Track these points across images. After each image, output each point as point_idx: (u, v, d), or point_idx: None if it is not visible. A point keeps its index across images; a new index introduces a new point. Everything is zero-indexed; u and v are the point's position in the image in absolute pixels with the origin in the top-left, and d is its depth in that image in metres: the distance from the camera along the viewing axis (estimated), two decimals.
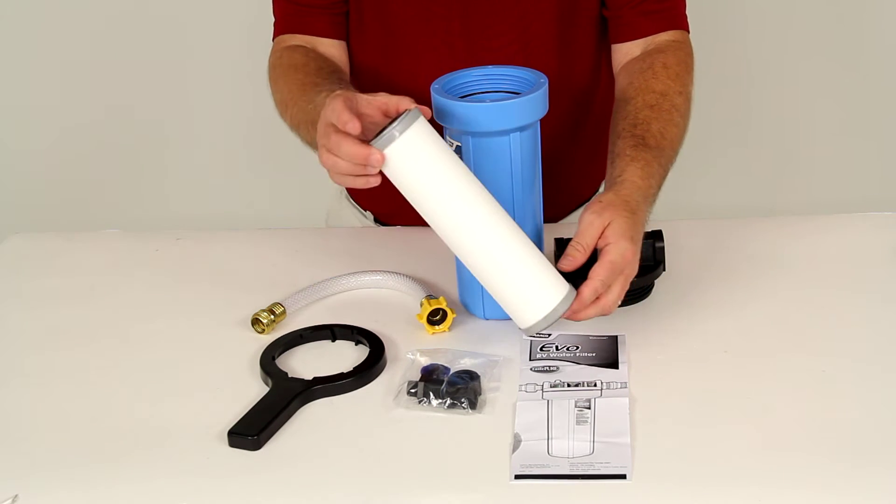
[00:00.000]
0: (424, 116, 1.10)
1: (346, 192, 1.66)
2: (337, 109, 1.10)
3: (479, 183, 1.13)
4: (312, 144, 1.24)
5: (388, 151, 1.08)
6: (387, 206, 1.59)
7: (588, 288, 1.14)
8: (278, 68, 1.43)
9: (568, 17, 1.41)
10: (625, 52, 1.44)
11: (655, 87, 1.36)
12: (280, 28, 1.49)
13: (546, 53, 1.41)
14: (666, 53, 1.41)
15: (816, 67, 2.51)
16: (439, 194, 1.12)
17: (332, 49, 1.47)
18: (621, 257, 1.15)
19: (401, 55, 1.43)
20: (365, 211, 1.63)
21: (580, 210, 1.60)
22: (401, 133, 1.08)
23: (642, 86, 1.36)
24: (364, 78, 1.48)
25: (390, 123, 1.09)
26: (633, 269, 1.17)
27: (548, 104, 1.19)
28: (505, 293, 1.15)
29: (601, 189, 1.65)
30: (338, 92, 1.16)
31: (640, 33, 1.44)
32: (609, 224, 1.16)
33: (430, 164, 1.11)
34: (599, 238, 1.16)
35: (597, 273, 1.14)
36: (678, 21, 1.45)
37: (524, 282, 1.14)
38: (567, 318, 1.15)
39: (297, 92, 1.34)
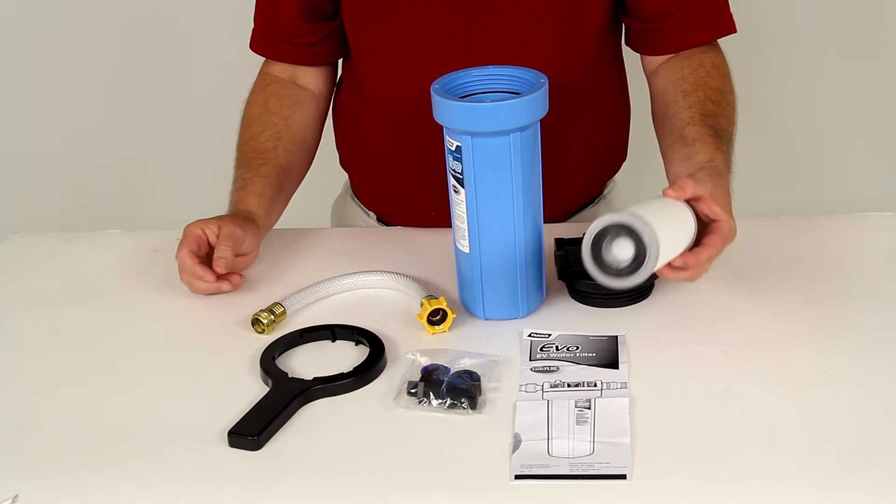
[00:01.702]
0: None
1: (351, 190, 1.67)
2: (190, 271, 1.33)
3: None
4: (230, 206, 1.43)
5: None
6: (388, 207, 1.59)
7: (704, 254, 1.17)
8: (244, 110, 1.54)
9: (572, 18, 1.40)
10: (662, 55, 1.45)
11: (713, 85, 1.37)
12: (257, 42, 1.54)
13: (549, 54, 1.41)
14: (711, 54, 1.42)
15: (816, 67, 2.51)
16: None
17: (309, 76, 1.54)
18: (731, 233, 1.19)
19: (403, 56, 1.43)
20: (368, 211, 1.63)
21: (582, 212, 1.60)
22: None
23: (700, 82, 1.38)
24: (368, 79, 1.49)
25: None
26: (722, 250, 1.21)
27: (548, 104, 1.19)
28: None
29: (612, 184, 1.65)
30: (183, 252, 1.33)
31: (688, 44, 1.43)
32: (717, 200, 1.19)
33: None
34: (703, 203, 1.18)
35: (713, 242, 1.17)
36: (726, 26, 1.45)
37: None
38: (671, 276, 1.18)
39: (236, 160, 1.49)
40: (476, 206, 1.20)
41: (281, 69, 1.54)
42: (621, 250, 1.09)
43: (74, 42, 2.55)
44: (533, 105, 1.17)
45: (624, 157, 1.63)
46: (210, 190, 2.82)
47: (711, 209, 1.18)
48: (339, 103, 1.58)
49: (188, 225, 1.35)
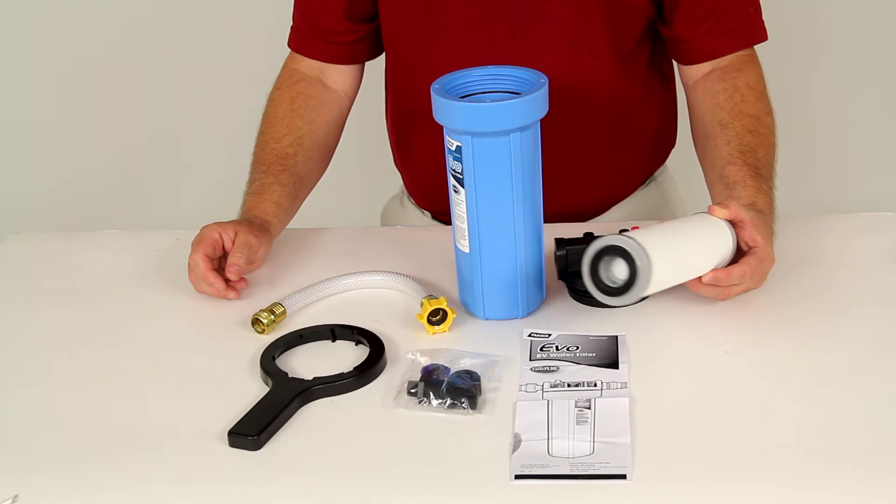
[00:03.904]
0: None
1: (406, 192, 1.69)
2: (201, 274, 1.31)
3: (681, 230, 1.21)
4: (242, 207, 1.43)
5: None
6: (438, 204, 1.61)
7: (736, 272, 1.20)
8: (268, 106, 1.53)
9: (615, 20, 1.40)
10: (696, 68, 1.45)
11: (749, 111, 1.38)
12: (294, 39, 1.56)
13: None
14: (745, 72, 1.42)
15: (816, 67, 2.51)
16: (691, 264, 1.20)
17: (337, 74, 1.55)
18: (768, 259, 1.23)
19: (441, 57, 1.44)
20: (423, 210, 1.66)
21: (637, 194, 1.60)
22: (649, 268, 1.12)
23: (735, 110, 1.38)
24: (406, 79, 1.51)
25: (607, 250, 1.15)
26: (761, 280, 1.24)
27: (548, 104, 1.19)
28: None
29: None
30: (198, 256, 1.32)
31: (717, 54, 1.43)
32: (759, 230, 1.22)
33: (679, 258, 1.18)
34: (745, 230, 1.21)
35: (746, 262, 1.20)
36: (756, 34, 1.44)
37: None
38: (701, 290, 1.21)
39: (254, 157, 1.49)
40: (476, 206, 1.20)
41: (309, 66, 1.55)
42: (618, 270, 1.15)
43: (74, 42, 2.55)
44: (533, 105, 1.17)
45: (672, 146, 1.65)
46: (211, 190, 2.82)
47: (752, 236, 1.21)
48: (389, 104, 1.60)
49: (205, 227, 1.35)
